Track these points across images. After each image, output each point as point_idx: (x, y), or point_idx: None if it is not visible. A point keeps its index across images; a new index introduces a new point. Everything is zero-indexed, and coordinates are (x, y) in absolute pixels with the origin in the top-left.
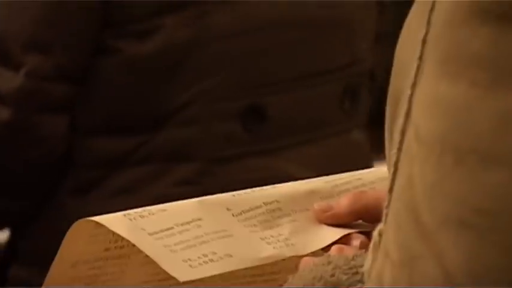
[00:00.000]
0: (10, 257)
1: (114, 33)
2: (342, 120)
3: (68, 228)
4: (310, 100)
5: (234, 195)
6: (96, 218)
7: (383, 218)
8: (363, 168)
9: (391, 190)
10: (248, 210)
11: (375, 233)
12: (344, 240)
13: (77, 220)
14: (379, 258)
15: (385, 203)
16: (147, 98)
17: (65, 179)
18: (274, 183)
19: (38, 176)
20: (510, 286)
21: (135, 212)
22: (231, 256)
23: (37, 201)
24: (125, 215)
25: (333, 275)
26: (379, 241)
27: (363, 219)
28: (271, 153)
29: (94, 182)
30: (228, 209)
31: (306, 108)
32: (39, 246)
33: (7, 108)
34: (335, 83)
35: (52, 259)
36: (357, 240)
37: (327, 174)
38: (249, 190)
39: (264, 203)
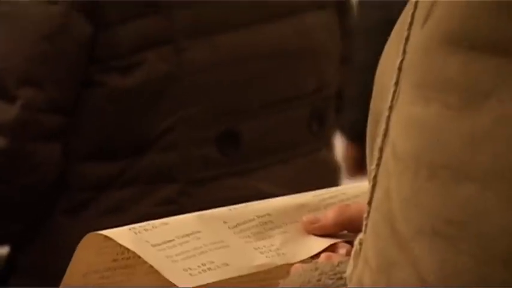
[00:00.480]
0: (10, 270)
1: (99, 68)
2: (310, 141)
3: (62, 244)
4: (280, 124)
5: (230, 210)
6: (105, 232)
7: (363, 228)
8: (331, 185)
9: (370, 202)
10: (243, 223)
11: (356, 242)
12: (331, 249)
13: (69, 237)
14: (360, 264)
15: (365, 214)
16: (130, 126)
17: (58, 200)
18: (248, 201)
19: (34, 198)
20: None
21: (140, 226)
22: (227, 265)
23: (33, 221)
24: (130, 229)
25: (319, 280)
26: (360, 249)
27: (347, 229)
28: (245, 173)
29: (85, 203)
30: (224, 222)
31: (276, 132)
32: (37, 260)
33: (4, 137)
34: (303, 108)
35: (49, 271)
36: (343, 249)
37: (297, 191)
38: (243, 204)
39: (257, 216)
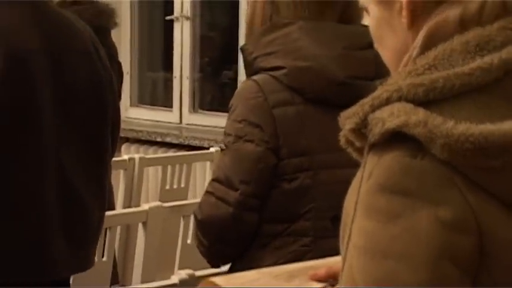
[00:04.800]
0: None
1: (277, 179)
2: None
3: (255, 265)
4: None
5: (276, 268)
6: (213, 278)
7: (339, 281)
8: None
9: (342, 269)
10: (280, 274)
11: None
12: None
13: (258, 261)
14: None
15: (340, 273)
16: (288, 208)
17: (254, 240)
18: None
19: (243, 238)
20: None
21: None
22: None
23: (242, 250)
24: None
25: None
26: None
27: (332, 278)
28: None
29: (266, 243)
30: (270, 273)
31: None
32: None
33: (231, 207)
34: None
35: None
36: None
37: None
38: (285, 266)
39: (287, 271)
